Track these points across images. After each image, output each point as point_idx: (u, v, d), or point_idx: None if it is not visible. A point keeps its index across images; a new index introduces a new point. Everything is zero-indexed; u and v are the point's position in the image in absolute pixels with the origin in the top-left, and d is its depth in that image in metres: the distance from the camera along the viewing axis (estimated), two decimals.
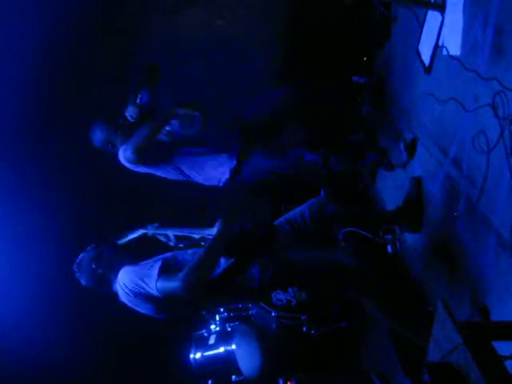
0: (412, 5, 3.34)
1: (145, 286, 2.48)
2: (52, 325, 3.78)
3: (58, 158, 4.10)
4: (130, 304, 2.63)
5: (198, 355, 3.52)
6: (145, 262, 2.68)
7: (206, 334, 3.63)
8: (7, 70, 3.68)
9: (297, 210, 2.98)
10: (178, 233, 2.88)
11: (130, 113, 3.34)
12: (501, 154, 2.31)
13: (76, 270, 2.76)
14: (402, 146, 3.38)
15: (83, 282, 2.75)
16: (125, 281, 2.57)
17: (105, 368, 4.02)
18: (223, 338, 3.55)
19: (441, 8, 2.94)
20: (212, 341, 3.55)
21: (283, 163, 3.46)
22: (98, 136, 3.35)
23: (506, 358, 1.58)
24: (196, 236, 2.83)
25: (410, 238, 3.39)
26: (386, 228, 3.45)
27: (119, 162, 3.31)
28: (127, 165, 3.24)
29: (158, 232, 2.92)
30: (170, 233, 2.88)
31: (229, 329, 3.60)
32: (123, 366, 4.06)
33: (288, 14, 4.19)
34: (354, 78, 3.97)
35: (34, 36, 3.73)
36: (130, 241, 2.95)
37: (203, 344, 3.58)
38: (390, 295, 2.75)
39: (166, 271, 2.48)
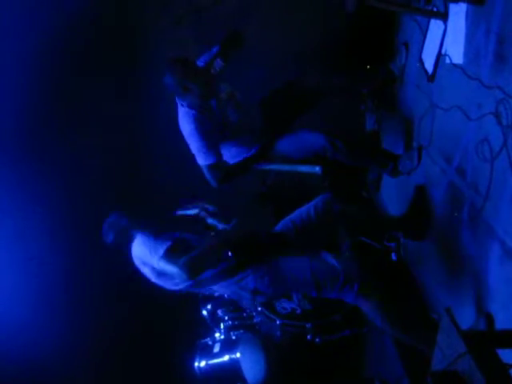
0: (415, 13, 3.36)
1: (150, 258, 2.64)
2: (55, 327, 3.79)
3: (59, 157, 4.11)
4: (141, 269, 2.78)
5: (203, 363, 3.52)
6: (161, 235, 2.77)
7: (210, 343, 3.63)
8: (7, 70, 3.70)
9: (302, 209, 3.02)
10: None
11: (217, 65, 3.34)
12: (504, 161, 2.32)
13: (106, 226, 2.85)
14: (415, 154, 3.37)
15: (109, 239, 2.83)
16: (135, 249, 2.75)
17: (107, 373, 4.03)
18: (228, 346, 3.55)
19: (443, 17, 2.95)
20: (217, 349, 3.55)
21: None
22: (173, 75, 3.15)
23: (511, 366, 1.58)
24: None
25: (413, 246, 3.39)
26: (390, 235, 3.46)
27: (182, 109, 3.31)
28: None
29: (207, 218, 2.95)
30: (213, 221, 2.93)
31: (233, 337, 3.60)
32: (126, 372, 4.06)
33: (291, 22, 4.20)
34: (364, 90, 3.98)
35: (34, 36, 3.74)
36: (186, 215, 3.00)
37: (208, 352, 3.58)
38: (394, 300, 2.77)
39: (172, 251, 2.61)
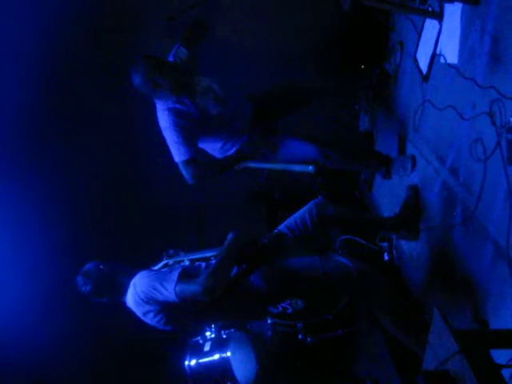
0: (410, 13, 3.35)
1: (162, 291, 2.54)
2: (51, 325, 3.77)
3: (59, 160, 4.09)
4: (137, 312, 2.68)
5: (193, 362, 3.50)
6: (163, 269, 2.78)
7: (201, 341, 3.61)
8: (7, 71, 3.68)
9: (296, 216, 2.98)
10: (193, 256, 2.95)
11: (180, 54, 3.35)
12: (497, 161, 2.32)
13: (81, 276, 2.77)
14: (409, 163, 3.37)
15: (88, 288, 2.75)
16: (140, 284, 2.62)
17: (96, 371, 4.01)
18: (218, 345, 3.53)
19: (438, 16, 2.96)
20: (207, 348, 3.53)
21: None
22: (140, 74, 3.17)
23: (503, 366, 1.57)
24: (208, 255, 2.90)
25: (406, 246, 3.38)
26: (383, 235, 3.45)
27: (155, 105, 3.31)
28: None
29: (176, 260, 2.97)
30: (186, 258, 2.94)
31: (224, 336, 3.58)
32: (116, 370, 4.05)
33: (286, 21, 4.20)
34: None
35: (34, 37, 3.72)
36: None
37: (198, 351, 3.56)
38: (395, 300, 2.75)
39: (185, 276, 2.56)
